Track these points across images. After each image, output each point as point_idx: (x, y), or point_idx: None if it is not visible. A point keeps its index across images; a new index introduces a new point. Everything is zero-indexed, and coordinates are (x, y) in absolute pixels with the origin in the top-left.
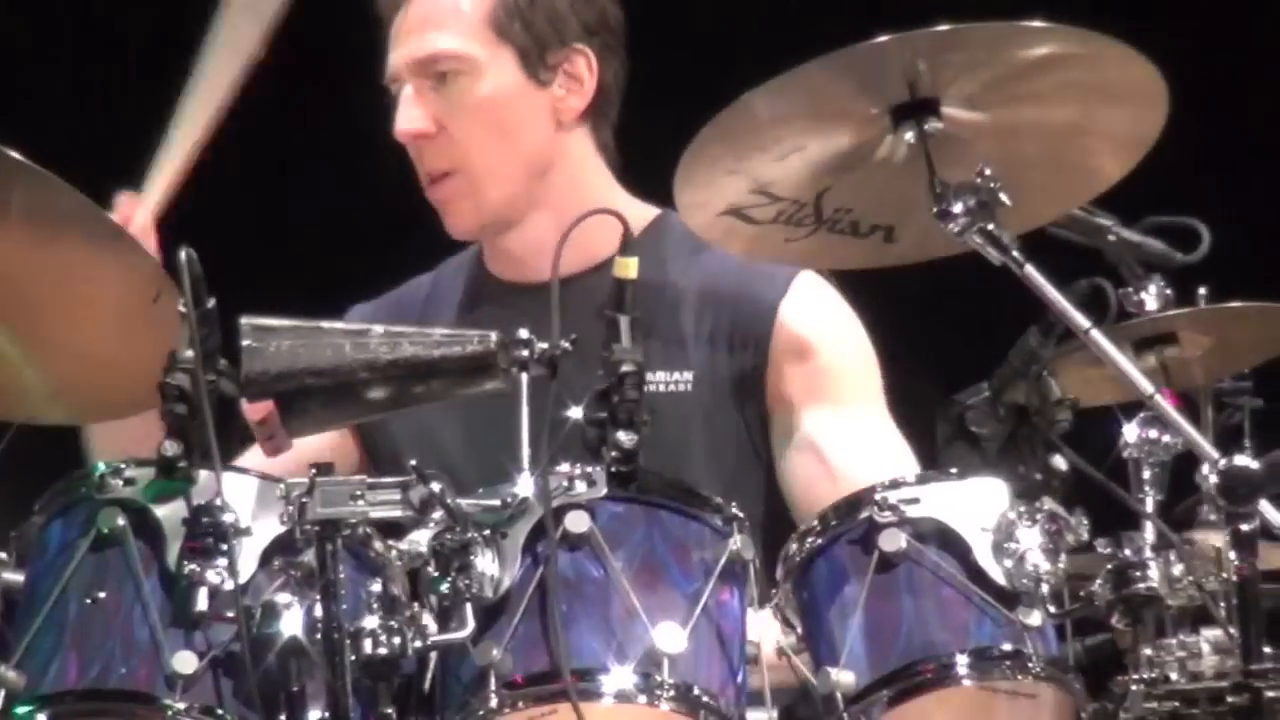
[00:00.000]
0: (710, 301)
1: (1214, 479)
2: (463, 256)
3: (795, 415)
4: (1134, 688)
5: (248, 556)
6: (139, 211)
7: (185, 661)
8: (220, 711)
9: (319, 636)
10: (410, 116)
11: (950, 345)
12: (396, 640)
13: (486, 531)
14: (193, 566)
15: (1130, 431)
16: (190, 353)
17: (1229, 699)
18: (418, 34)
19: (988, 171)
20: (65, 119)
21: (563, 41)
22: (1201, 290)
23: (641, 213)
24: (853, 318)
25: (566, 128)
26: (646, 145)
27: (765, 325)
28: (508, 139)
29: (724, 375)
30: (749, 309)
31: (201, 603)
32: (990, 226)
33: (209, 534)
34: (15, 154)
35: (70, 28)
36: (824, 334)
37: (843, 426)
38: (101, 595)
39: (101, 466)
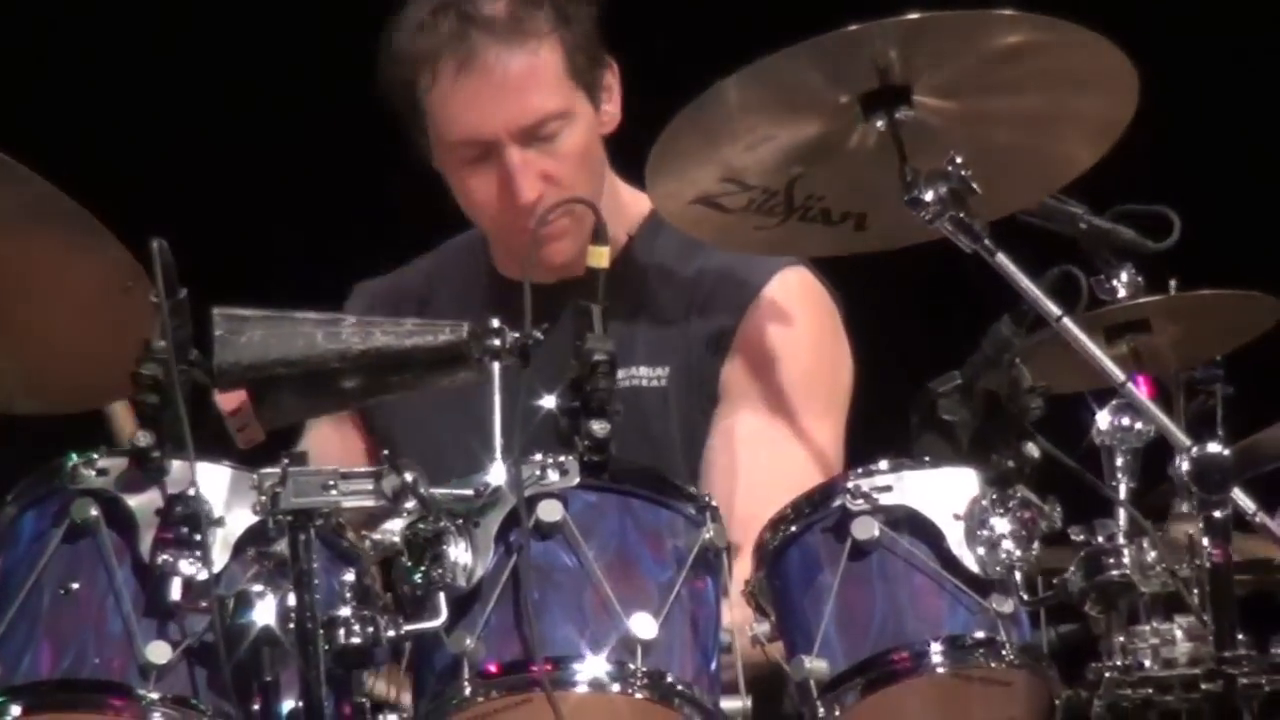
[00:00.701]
0: (698, 294)
1: (1186, 466)
2: (464, 247)
3: (734, 404)
4: (1107, 675)
5: (221, 546)
6: None
7: (159, 652)
8: (194, 702)
9: (292, 626)
10: (530, 186)
11: (922, 333)
12: (370, 630)
13: (459, 521)
14: (166, 557)
15: (1102, 419)
16: (162, 343)
17: (1202, 686)
18: (516, 100)
19: (958, 159)
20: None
21: (601, 60)
22: (1173, 282)
23: (641, 205)
24: (830, 323)
25: (605, 141)
26: (619, 135)
27: (735, 318)
28: (595, 171)
29: (698, 369)
30: (726, 302)
31: (175, 593)
32: (961, 214)
33: (182, 524)
34: None
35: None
36: (789, 335)
37: (771, 431)
38: (75, 586)
39: (74, 457)
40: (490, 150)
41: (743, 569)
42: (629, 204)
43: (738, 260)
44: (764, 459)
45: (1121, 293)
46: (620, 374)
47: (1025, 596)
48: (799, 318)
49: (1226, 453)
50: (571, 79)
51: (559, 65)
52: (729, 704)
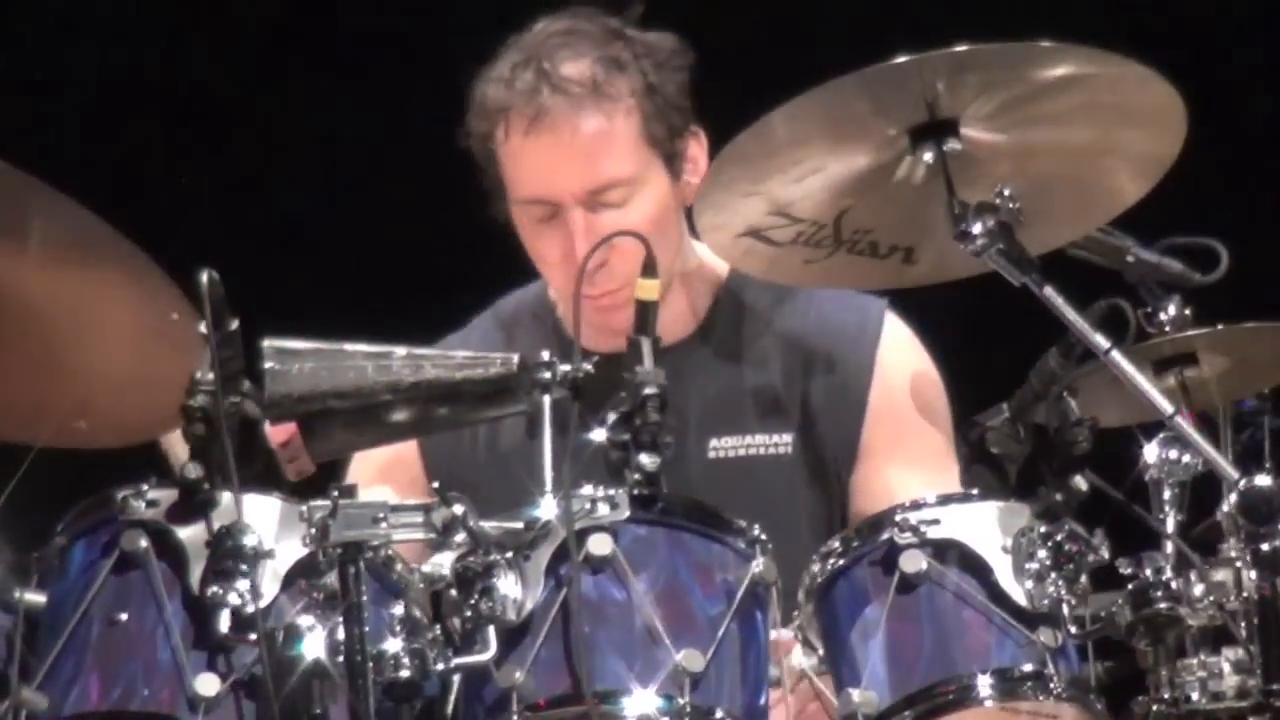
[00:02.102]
0: (801, 356)
1: (1234, 499)
2: (526, 309)
3: (878, 467)
4: (1155, 708)
5: (270, 578)
6: None
7: (208, 684)
8: None
9: (341, 659)
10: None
11: (970, 366)
12: (419, 663)
13: (509, 554)
14: (215, 588)
15: (1150, 452)
16: (211, 374)
17: (1250, 718)
18: (584, 162)
19: (1006, 192)
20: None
21: (685, 129)
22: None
23: (722, 266)
24: (932, 365)
25: (687, 210)
26: None
27: (863, 385)
28: (667, 240)
29: (825, 437)
30: (844, 367)
31: (224, 625)
32: (1010, 247)
33: (231, 556)
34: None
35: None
36: (920, 387)
37: (930, 483)
38: (123, 617)
39: (124, 489)
40: (557, 211)
41: None
42: (711, 267)
43: (830, 308)
44: None
45: (1169, 325)
46: (731, 441)
47: (1073, 629)
48: (920, 366)
49: (1274, 485)
50: (647, 146)
51: (633, 131)
52: None
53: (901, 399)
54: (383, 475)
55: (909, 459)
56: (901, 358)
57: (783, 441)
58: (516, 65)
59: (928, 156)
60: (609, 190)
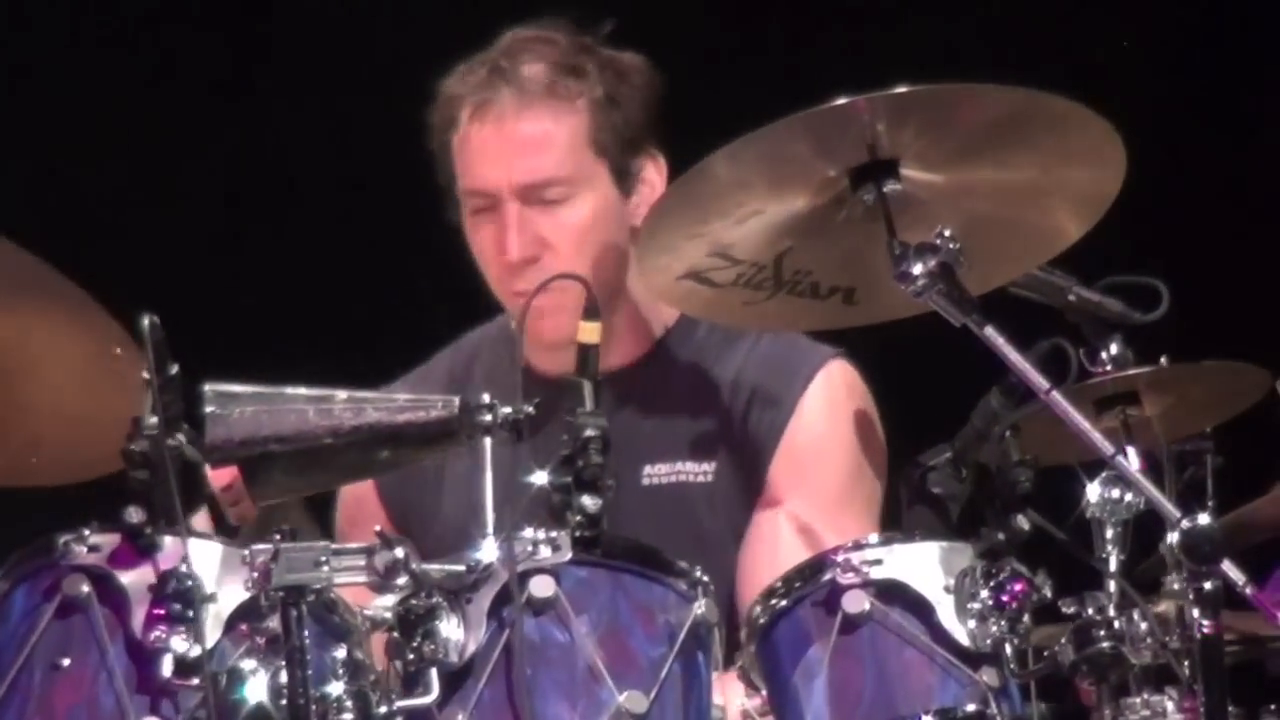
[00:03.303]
0: (739, 393)
1: (1176, 538)
2: (486, 341)
3: (778, 500)
4: None
5: (213, 623)
6: None
7: None
8: None
9: (284, 703)
10: (522, 243)
11: (911, 407)
12: (362, 706)
13: (452, 596)
14: (158, 633)
15: (1092, 491)
16: (154, 419)
17: None
18: (525, 157)
19: (947, 232)
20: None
21: (640, 149)
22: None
23: None
24: (871, 418)
25: (635, 234)
26: None
27: (780, 426)
28: (605, 252)
29: (747, 465)
30: (771, 404)
31: (167, 669)
32: (950, 287)
33: (174, 600)
34: None
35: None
36: (834, 434)
37: (815, 528)
38: (66, 662)
39: (64, 533)
40: (495, 203)
41: None
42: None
43: (779, 351)
44: (806, 555)
45: (1110, 365)
46: (665, 469)
47: (1016, 669)
48: (844, 415)
49: (1216, 524)
50: (593, 153)
51: (580, 135)
52: None
53: (812, 445)
54: (351, 522)
55: (802, 507)
56: (826, 404)
57: (710, 470)
58: (477, 62)
59: (868, 197)
60: (546, 188)
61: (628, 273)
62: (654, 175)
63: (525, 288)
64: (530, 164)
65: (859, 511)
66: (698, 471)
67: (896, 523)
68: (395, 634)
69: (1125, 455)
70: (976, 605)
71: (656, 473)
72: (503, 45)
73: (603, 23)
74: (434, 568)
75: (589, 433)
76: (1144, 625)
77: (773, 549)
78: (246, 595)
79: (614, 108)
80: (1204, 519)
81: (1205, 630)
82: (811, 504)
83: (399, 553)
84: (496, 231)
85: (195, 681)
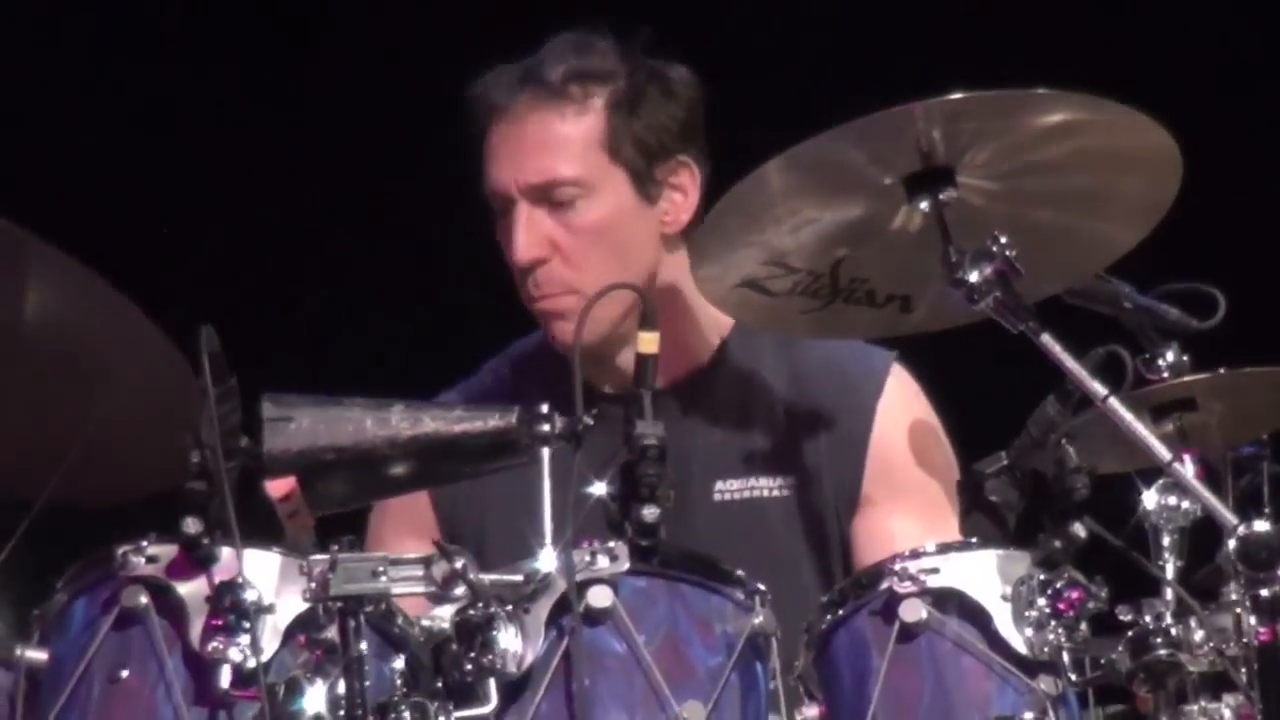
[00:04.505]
0: (804, 403)
1: (1233, 545)
2: (536, 354)
3: (878, 516)
4: None
5: (270, 634)
6: None
7: None
8: None
9: (342, 713)
10: (528, 244)
11: (968, 414)
12: (420, 716)
13: (509, 607)
14: (215, 644)
15: (1149, 498)
16: (211, 430)
17: None
18: (531, 158)
19: (1003, 240)
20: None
21: (668, 155)
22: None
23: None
24: (935, 417)
25: (671, 242)
26: None
27: (863, 434)
28: (621, 260)
29: (825, 483)
30: (846, 413)
31: (225, 681)
32: (1006, 295)
33: (232, 611)
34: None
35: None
36: (922, 436)
37: (921, 533)
38: (125, 674)
39: (123, 545)
40: (510, 205)
41: None
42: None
43: (839, 358)
44: None
45: (1167, 372)
46: (737, 484)
47: (1073, 677)
48: (921, 417)
49: (1273, 531)
50: (608, 157)
51: (594, 137)
52: None
53: (901, 449)
54: (400, 530)
55: (908, 509)
56: (903, 408)
57: (785, 484)
58: (505, 68)
59: (923, 205)
60: (553, 188)
61: (666, 281)
62: (687, 182)
63: (535, 293)
64: (537, 164)
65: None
66: (772, 486)
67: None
68: (453, 644)
69: (1182, 462)
70: (1034, 613)
71: (729, 488)
72: (541, 50)
73: (642, 29)
74: (491, 578)
75: (647, 442)
76: (1201, 632)
77: (890, 549)
78: (304, 606)
79: (636, 112)
80: (1261, 525)
81: (1261, 637)
82: (919, 515)
83: (457, 563)
84: (509, 234)
85: (253, 693)
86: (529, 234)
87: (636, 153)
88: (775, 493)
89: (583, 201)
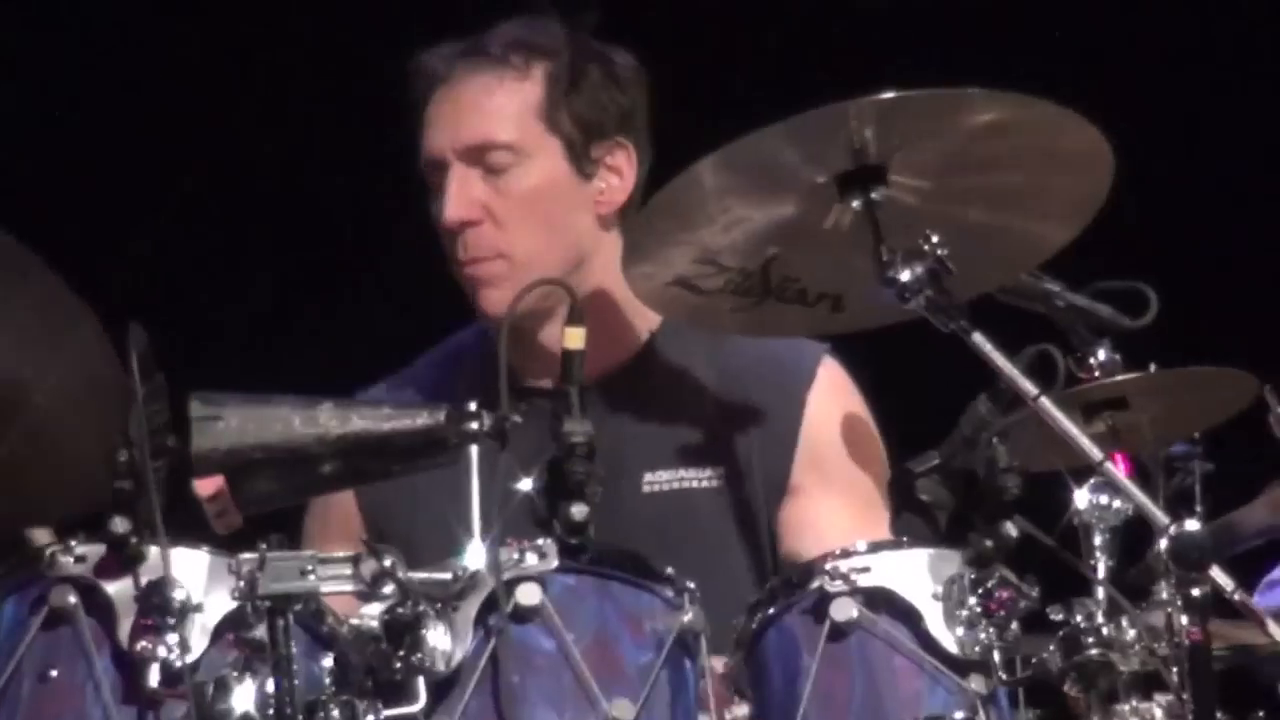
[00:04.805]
0: (735, 394)
1: (1165, 545)
2: (465, 349)
3: (805, 505)
4: None
5: (199, 632)
6: None
7: None
8: None
9: (271, 712)
10: (459, 204)
11: (900, 413)
12: (349, 715)
13: (438, 605)
14: (144, 643)
15: (1081, 497)
16: (138, 428)
17: None
18: (467, 121)
19: (934, 238)
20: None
21: (605, 135)
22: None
23: None
24: (866, 411)
25: (605, 223)
26: None
27: (793, 423)
28: (552, 230)
29: (755, 473)
30: (776, 404)
31: (153, 680)
32: (937, 294)
33: (160, 610)
34: None
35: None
36: (853, 425)
37: (860, 519)
38: (54, 674)
39: (51, 544)
40: (444, 172)
41: None
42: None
43: (770, 351)
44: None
45: (1099, 370)
46: (666, 475)
47: (1004, 676)
48: (854, 408)
49: (1205, 531)
50: (544, 123)
51: (530, 103)
52: None
53: (832, 439)
54: (328, 531)
55: (837, 499)
56: (834, 399)
57: (715, 475)
58: (450, 42)
59: (855, 204)
60: (487, 150)
61: (598, 270)
62: (624, 164)
63: (461, 256)
64: (472, 125)
65: (885, 508)
66: (701, 477)
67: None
68: (381, 643)
69: (1113, 461)
70: (965, 612)
71: (658, 480)
72: (481, 32)
73: (588, 14)
74: (420, 576)
75: (575, 439)
76: (1132, 632)
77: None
78: (233, 604)
79: (576, 87)
80: (1192, 525)
81: (1193, 636)
82: (848, 504)
83: (386, 561)
84: (440, 198)
85: (182, 692)
86: (461, 195)
87: (574, 126)
88: (704, 483)
89: (517, 168)
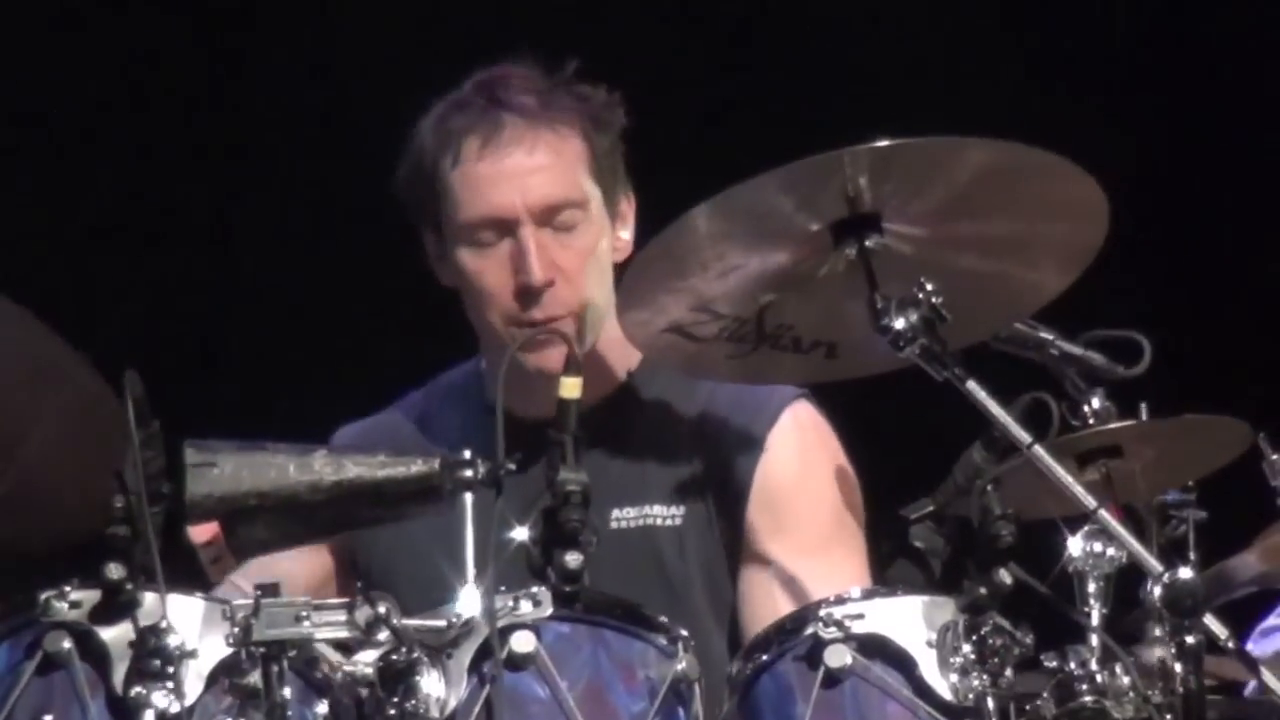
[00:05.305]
0: (703, 435)
1: (1158, 592)
2: (454, 384)
3: (764, 545)
4: None
5: (194, 678)
6: None
7: None
8: None
9: None
10: (544, 269)
11: (893, 461)
12: None
13: (432, 652)
14: (139, 689)
15: (1074, 545)
16: (134, 475)
17: None
18: (540, 180)
19: (929, 286)
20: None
21: (622, 182)
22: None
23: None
24: (841, 455)
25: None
26: None
27: (751, 465)
28: (607, 283)
29: (717, 509)
30: (737, 447)
31: None
32: (931, 342)
33: (155, 656)
34: None
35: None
36: (810, 473)
37: (809, 571)
38: (48, 718)
39: (46, 590)
40: (506, 231)
41: None
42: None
43: (742, 394)
44: (806, 600)
45: (1093, 419)
46: (633, 512)
47: None
48: (815, 454)
49: (1198, 578)
50: (593, 178)
51: (583, 157)
52: None
53: (787, 482)
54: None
55: (789, 543)
56: (795, 442)
57: (677, 514)
58: (465, 97)
59: (850, 252)
60: (563, 210)
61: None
62: (627, 210)
63: (538, 315)
64: (546, 186)
65: (850, 548)
66: (666, 515)
67: (878, 577)
68: (376, 689)
69: (1108, 509)
70: (959, 660)
71: (625, 516)
72: (481, 82)
73: (569, 62)
74: (414, 623)
75: (570, 488)
76: (1126, 679)
77: (770, 595)
78: (228, 651)
79: (605, 138)
80: (1186, 573)
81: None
82: (797, 548)
83: (380, 608)
84: (507, 262)
85: None
86: (542, 257)
87: (609, 174)
88: (668, 521)
89: (582, 224)
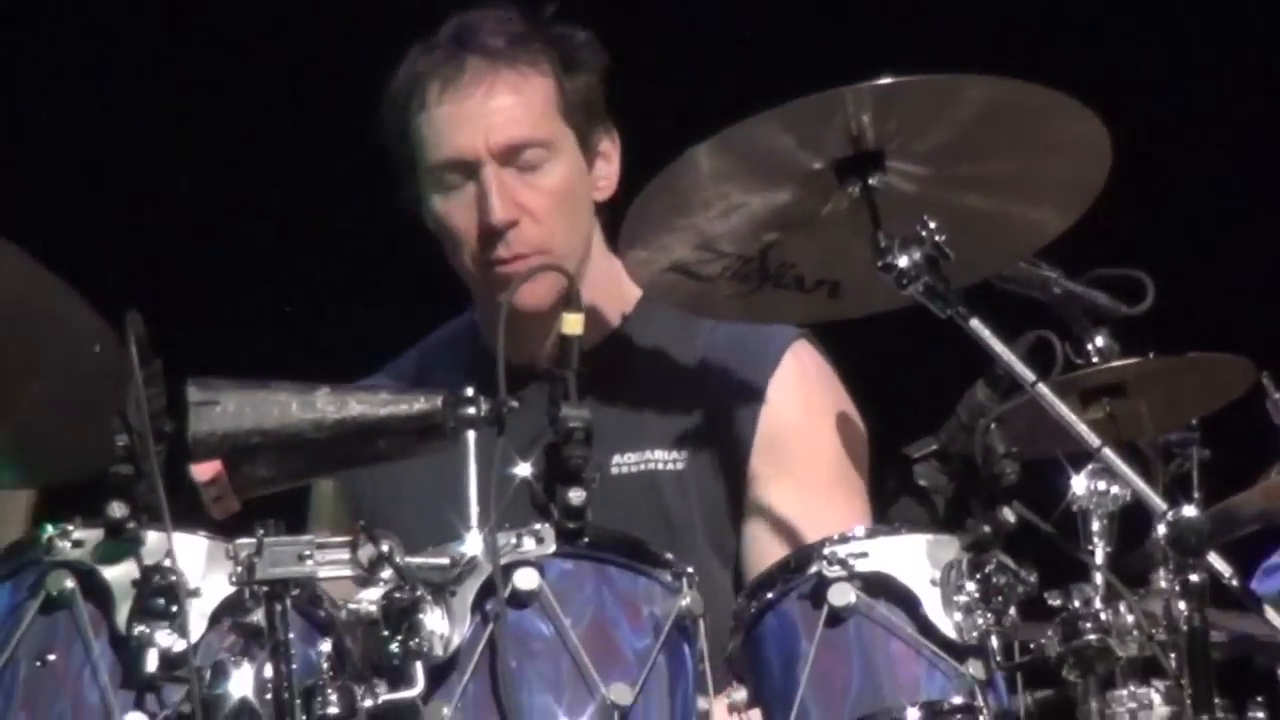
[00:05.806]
0: (704, 378)
1: (1162, 530)
2: (450, 335)
3: (769, 487)
4: None
5: (197, 617)
6: None
7: None
8: None
9: (269, 697)
10: (504, 209)
11: (897, 399)
12: (347, 700)
13: (435, 590)
14: (142, 628)
15: (1078, 483)
16: (137, 413)
17: None
18: (501, 120)
19: (932, 224)
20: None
21: (599, 120)
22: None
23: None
24: (844, 394)
25: (595, 210)
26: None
27: (754, 408)
28: (579, 222)
29: (721, 452)
30: (740, 390)
31: (151, 664)
32: (935, 280)
33: (158, 595)
34: None
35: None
36: (814, 415)
37: (814, 511)
38: (51, 658)
39: (49, 529)
40: (471, 173)
41: None
42: (625, 282)
43: (742, 337)
44: (812, 539)
45: (1096, 357)
46: (633, 457)
47: (1001, 661)
48: (817, 396)
49: (1202, 516)
50: (562, 116)
51: (549, 96)
52: None
53: (790, 426)
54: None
55: (793, 485)
56: (798, 384)
57: (679, 457)
58: (434, 42)
59: (853, 190)
60: (525, 149)
61: (591, 251)
62: (610, 149)
63: (504, 254)
64: (507, 126)
65: (854, 488)
66: (667, 460)
67: (882, 515)
68: (379, 627)
69: (1111, 447)
70: (962, 598)
71: (625, 461)
72: (453, 26)
73: (548, 4)
74: (417, 561)
75: (573, 425)
76: (1130, 617)
77: (775, 535)
78: (231, 590)
79: (577, 76)
80: (1190, 511)
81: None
82: (799, 492)
83: (384, 546)
84: (472, 201)
85: (180, 676)
86: (502, 196)
87: (582, 115)
88: (669, 465)
89: (548, 164)
